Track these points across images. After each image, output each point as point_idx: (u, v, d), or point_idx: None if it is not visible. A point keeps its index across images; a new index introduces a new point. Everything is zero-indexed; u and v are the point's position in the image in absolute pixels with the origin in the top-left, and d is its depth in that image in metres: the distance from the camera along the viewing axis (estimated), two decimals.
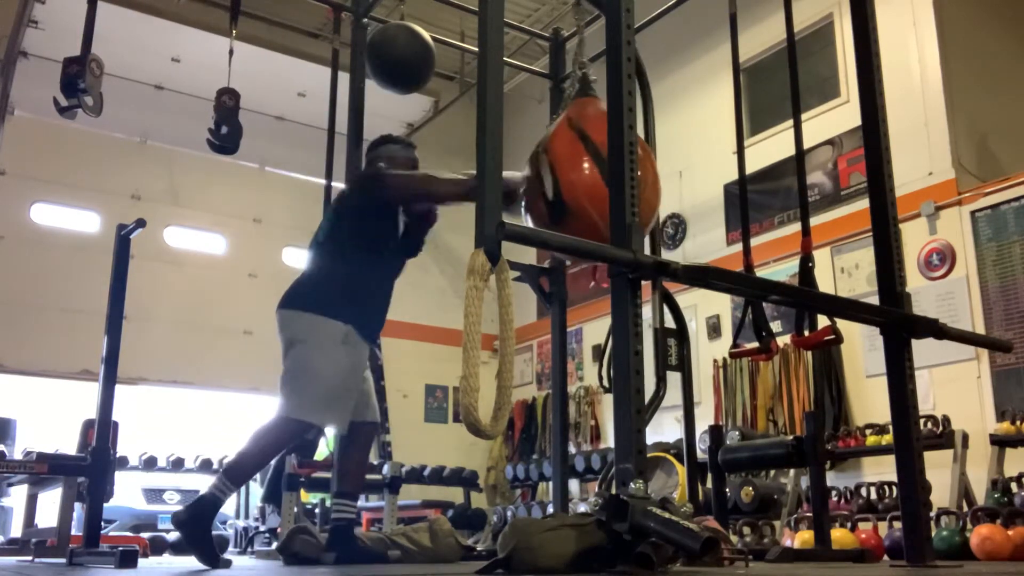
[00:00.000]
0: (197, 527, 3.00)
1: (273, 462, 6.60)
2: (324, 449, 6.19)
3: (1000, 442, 5.28)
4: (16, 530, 6.64)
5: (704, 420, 6.75)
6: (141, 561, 3.63)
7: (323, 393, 3.16)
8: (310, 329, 3.18)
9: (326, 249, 3.36)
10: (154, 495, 8.98)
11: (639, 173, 2.71)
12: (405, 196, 3.39)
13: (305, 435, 3.30)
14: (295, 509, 5.67)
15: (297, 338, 3.20)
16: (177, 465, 8.37)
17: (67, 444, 5.35)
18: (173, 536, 7.59)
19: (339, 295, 3.22)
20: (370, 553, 3.24)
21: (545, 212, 3.11)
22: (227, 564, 3.02)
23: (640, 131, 3.00)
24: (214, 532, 3.21)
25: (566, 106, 3.51)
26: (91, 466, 3.89)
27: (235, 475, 3.15)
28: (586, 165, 3.13)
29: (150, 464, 8.21)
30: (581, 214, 2.99)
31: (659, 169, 3.86)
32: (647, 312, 2.51)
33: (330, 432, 3.67)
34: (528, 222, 3.18)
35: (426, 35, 3.15)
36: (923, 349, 3.26)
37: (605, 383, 3.28)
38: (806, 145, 3.78)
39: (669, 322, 3.80)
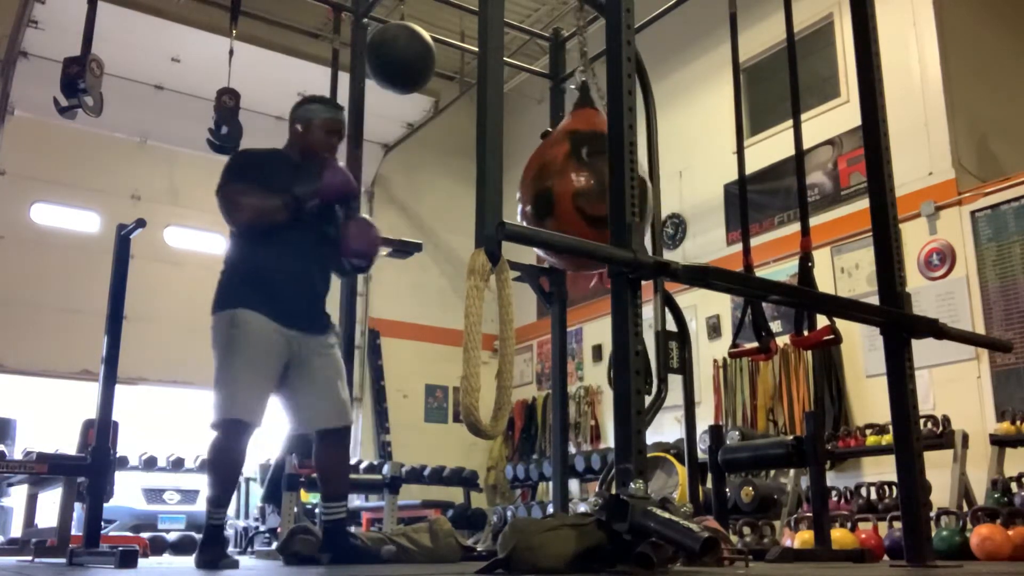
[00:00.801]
0: (214, 556, 3.04)
1: (273, 461, 6.61)
2: None
3: (1000, 442, 5.28)
4: (16, 530, 6.64)
5: (704, 420, 6.75)
6: (141, 561, 3.63)
7: (230, 386, 3.07)
8: (213, 330, 3.17)
9: (228, 244, 3.33)
10: (154, 495, 8.97)
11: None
12: (226, 218, 3.23)
13: (242, 435, 3.10)
14: (295, 509, 5.67)
15: (211, 341, 3.18)
16: (177, 465, 8.37)
17: (67, 444, 5.35)
18: (173, 536, 7.60)
19: (227, 286, 3.18)
20: (364, 551, 3.20)
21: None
22: (234, 564, 3.04)
23: (641, 131, 3.00)
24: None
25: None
26: (91, 466, 3.89)
27: (215, 499, 3.14)
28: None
29: (150, 464, 8.21)
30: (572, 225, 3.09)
31: (659, 169, 3.86)
32: (648, 313, 2.51)
33: None
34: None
35: (426, 35, 3.15)
36: (923, 349, 3.26)
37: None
38: (806, 145, 3.78)
39: (670, 324, 3.81)
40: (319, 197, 3.22)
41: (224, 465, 3.14)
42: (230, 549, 3.43)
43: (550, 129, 3.87)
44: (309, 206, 3.21)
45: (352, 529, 3.61)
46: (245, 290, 3.12)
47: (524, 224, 3.48)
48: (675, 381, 3.80)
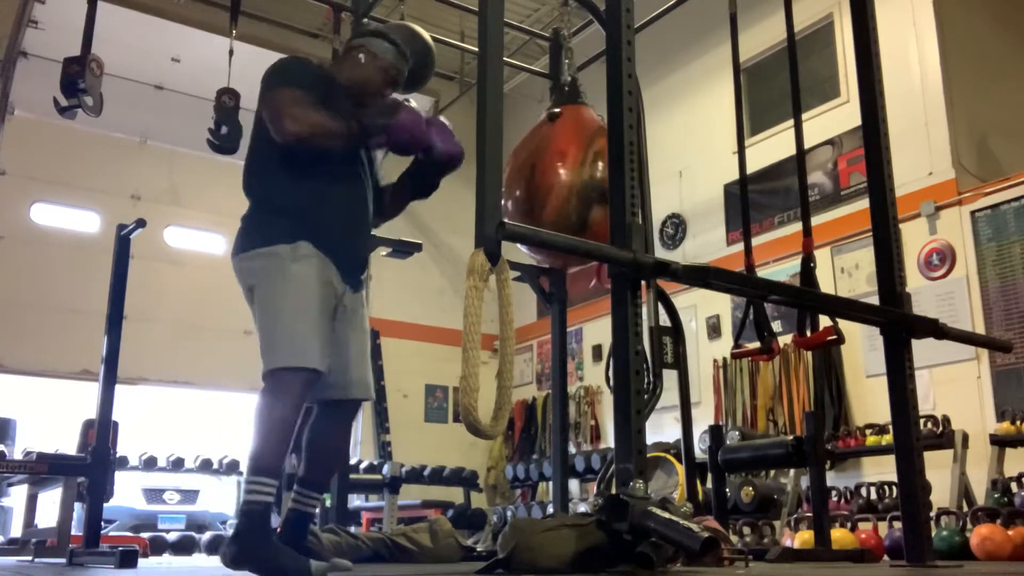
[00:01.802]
0: (256, 550, 2.38)
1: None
2: None
3: (1000, 442, 5.28)
4: (16, 530, 6.64)
5: (704, 420, 6.76)
6: (141, 561, 3.63)
7: (294, 328, 2.54)
8: (259, 266, 2.64)
9: (254, 175, 2.77)
10: (154, 495, 8.97)
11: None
12: (270, 126, 2.61)
13: (310, 389, 2.56)
14: None
15: (250, 282, 2.68)
16: (177, 465, 8.38)
17: (67, 444, 5.35)
18: (173, 536, 7.60)
19: (274, 218, 2.65)
20: (297, 558, 2.43)
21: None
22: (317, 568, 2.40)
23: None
24: (214, 532, 2.85)
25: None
26: (91, 466, 3.90)
27: (261, 466, 2.46)
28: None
29: (150, 464, 8.22)
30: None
31: (659, 169, 3.87)
32: (644, 311, 2.51)
33: None
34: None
35: (426, 35, 3.15)
36: (923, 349, 3.27)
37: (611, 384, 3.28)
38: (806, 145, 3.78)
39: (664, 320, 3.81)
40: (389, 140, 2.67)
41: (284, 421, 2.51)
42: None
43: (557, 111, 3.88)
44: (373, 144, 2.75)
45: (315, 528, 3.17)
46: (303, 221, 2.62)
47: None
48: (672, 380, 3.79)
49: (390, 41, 2.84)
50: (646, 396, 2.42)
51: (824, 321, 3.29)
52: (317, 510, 2.90)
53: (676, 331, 3.76)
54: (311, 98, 2.60)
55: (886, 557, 4.61)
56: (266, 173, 2.72)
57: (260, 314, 2.64)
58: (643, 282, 2.44)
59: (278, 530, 2.84)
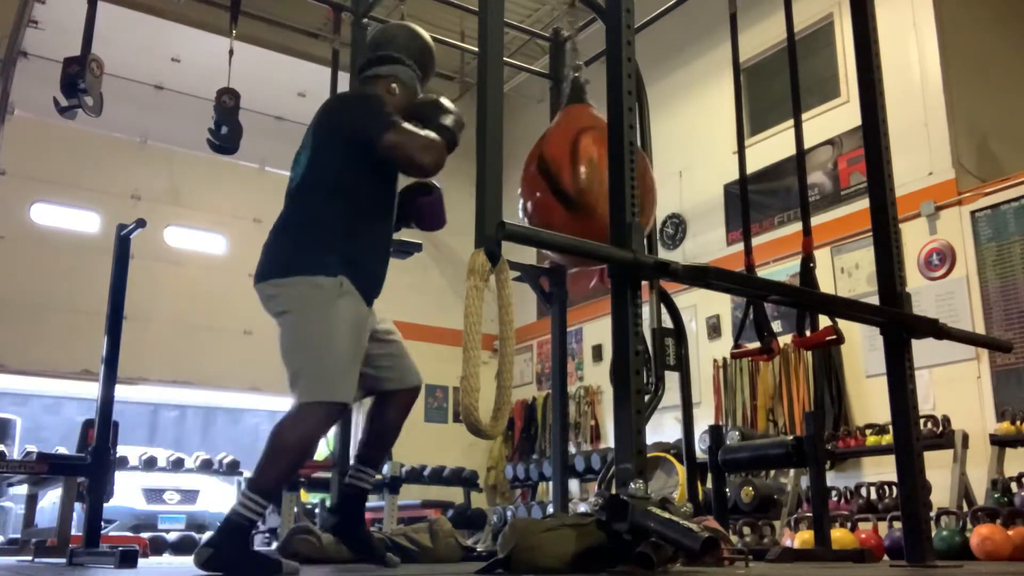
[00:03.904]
0: (230, 556, 2.46)
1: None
2: (324, 449, 6.19)
3: (1000, 442, 5.28)
4: (16, 530, 6.64)
5: (704, 420, 6.75)
6: (141, 561, 3.63)
7: (331, 362, 2.63)
8: (298, 294, 2.67)
9: (303, 197, 2.82)
10: (154, 495, 8.97)
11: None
12: (402, 161, 2.75)
13: (335, 421, 2.75)
14: (295, 509, 5.67)
15: (285, 308, 2.70)
16: (177, 465, 8.37)
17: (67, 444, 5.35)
18: (173, 536, 7.60)
19: (330, 247, 2.70)
20: (270, 567, 2.54)
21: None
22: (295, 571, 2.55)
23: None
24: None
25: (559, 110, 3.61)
26: (91, 466, 3.89)
27: (262, 487, 2.56)
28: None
29: (150, 464, 8.21)
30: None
31: (659, 169, 3.87)
32: (644, 311, 2.51)
33: (330, 432, 3.60)
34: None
35: (426, 35, 3.14)
36: (923, 349, 3.27)
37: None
38: (806, 145, 3.78)
39: (667, 322, 3.81)
40: (460, 132, 2.87)
41: (302, 452, 2.65)
42: None
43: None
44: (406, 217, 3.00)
45: None
46: (348, 259, 2.69)
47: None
48: (673, 380, 3.79)
49: (406, 64, 3.02)
50: (647, 397, 2.42)
51: (824, 321, 3.29)
52: (371, 487, 3.08)
53: (679, 333, 3.77)
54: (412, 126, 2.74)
55: (886, 557, 4.61)
56: (320, 197, 2.78)
57: (295, 344, 2.70)
58: (647, 283, 2.45)
59: (328, 503, 3.09)
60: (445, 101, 2.92)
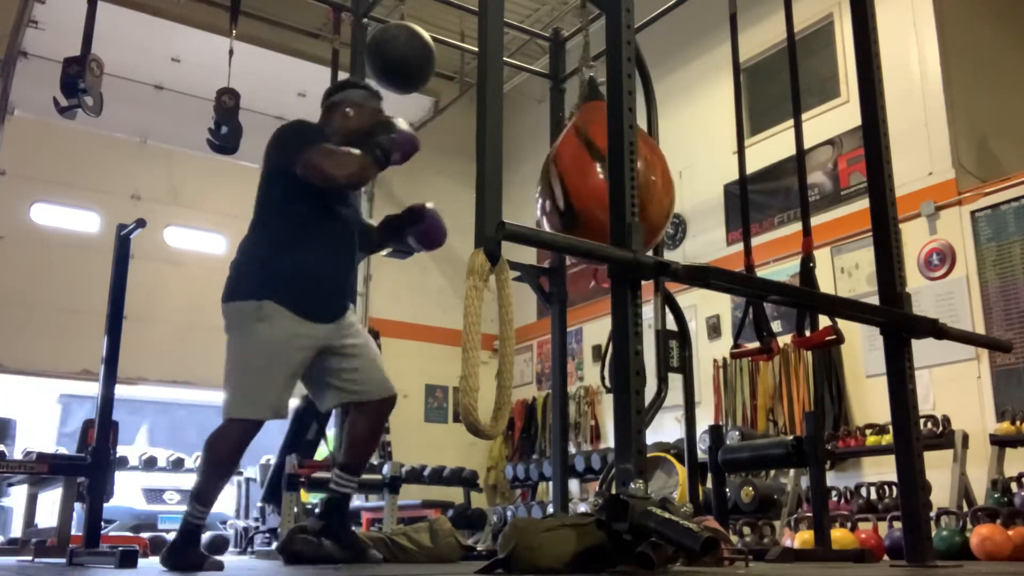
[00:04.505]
0: (186, 556, 2.88)
1: (273, 461, 6.60)
2: (324, 449, 6.19)
3: (1000, 442, 5.28)
4: (16, 530, 6.64)
5: (704, 420, 6.75)
6: (141, 561, 3.63)
7: (247, 382, 2.89)
8: (230, 319, 2.94)
9: (252, 228, 3.04)
10: (154, 495, 8.97)
11: (652, 178, 2.73)
12: (317, 178, 2.89)
13: (251, 435, 2.95)
14: (295, 509, 5.66)
15: (226, 331, 2.97)
16: (177, 465, 8.38)
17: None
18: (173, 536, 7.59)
19: (255, 273, 2.92)
20: (215, 564, 2.91)
21: (558, 222, 3.26)
22: (220, 566, 2.91)
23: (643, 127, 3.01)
24: (213, 532, 3.06)
25: (574, 112, 3.56)
26: (91, 466, 3.89)
27: (200, 496, 2.93)
28: (594, 171, 3.24)
29: (150, 464, 8.22)
30: (591, 221, 3.04)
31: None
32: (648, 313, 2.51)
33: (331, 433, 3.61)
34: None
35: (426, 35, 3.14)
36: (923, 349, 3.26)
37: (607, 383, 3.27)
38: (806, 145, 3.78)
39: (671, 324, 3.81)
40: (398, 151, 2.93)
41: (225, 463, 2.99)
42: (231, 549, 3.35)
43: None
44: (392, 161, 2.97)
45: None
46: (274, 282, 2.90)
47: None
48: (675, 381, 3.80)
49: (360, 87, 3.23)
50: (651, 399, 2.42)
51: (824, 321, 3.29)
52: (355, 491, 3.31)
53: (683, 336, 3.77)
54: (332, 144, 2.91)
55: (886, 557, 4.61)
56: (253, 225, 3.03)
57: (226, 364, 2.96)
58: (652, 285, 2.45)
59: (318, 509, 3.31)
60: (398, 121, 3.02)
